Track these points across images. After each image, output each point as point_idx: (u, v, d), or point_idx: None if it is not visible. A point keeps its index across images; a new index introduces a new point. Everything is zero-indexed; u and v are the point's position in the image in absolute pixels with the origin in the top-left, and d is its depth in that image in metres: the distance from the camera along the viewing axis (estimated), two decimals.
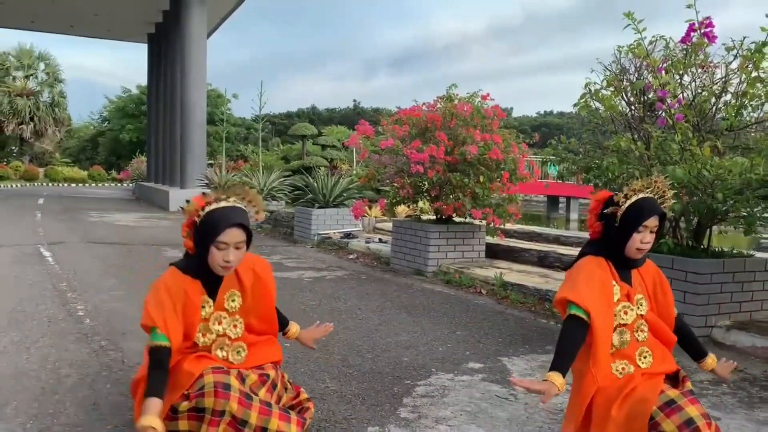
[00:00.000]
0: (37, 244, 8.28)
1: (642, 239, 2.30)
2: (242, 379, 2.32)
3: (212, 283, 2.40)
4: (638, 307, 2.36)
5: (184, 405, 2.22)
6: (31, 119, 38.58)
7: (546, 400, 2.10)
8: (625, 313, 2.33)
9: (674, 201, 3.88)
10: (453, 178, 6.88)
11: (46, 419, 2.66)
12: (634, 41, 4.52)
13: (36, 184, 33.03)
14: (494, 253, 7.52)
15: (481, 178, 6.96)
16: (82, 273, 6.29)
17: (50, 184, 32.80)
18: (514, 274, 6.38)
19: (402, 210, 9.96)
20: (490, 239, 7.61)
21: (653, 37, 4.57)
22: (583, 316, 2.24)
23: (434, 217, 7.57)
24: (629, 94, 4.39)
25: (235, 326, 2.46)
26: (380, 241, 8.85)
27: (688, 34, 4.47)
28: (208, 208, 2.32)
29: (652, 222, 2.30)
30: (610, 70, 4.64)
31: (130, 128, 40.48)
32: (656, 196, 2.37)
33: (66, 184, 33.05)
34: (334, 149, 20.45)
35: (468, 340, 4.20)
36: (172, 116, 17.91)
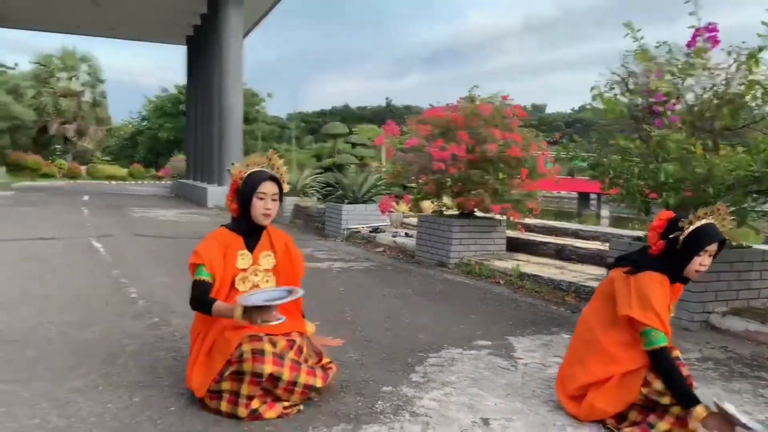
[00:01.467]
0: (88, 237, 8.95)
1: (701, 262, 2.63)
2: (273, 344, 2.78)
3: (251, 241, 2.96)
4: (671, 311, 2.73)
5: (227, 369, 2.70)
6: (74, 119, 39.94)
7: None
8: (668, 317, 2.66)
9: (669, 195, 4.25)
10: (474, 175, 7.27)
11: (114, 377, 3.17)
12: (638, 47, 4.87)
13: (79, 181, 34.30)
14: (514, 246, 7.89)
15: (501, 175, 7.34)
16: (131, 262, 6.89)
17: (92, 182, 34.03)
18: (531, 265, 6.75)
19: (428, 206, 10.37)
20: (510, 233, 7.98)
21: (656, 42, 4.92)
22: (665, 344, 2.55)
23: (457, 212, 7.98)
24: (631, 97, 4.73)
25: (267, 281, 2.97)
26: (406, 235, 9.28)
27: (693, 38, 4.80)
28: (248, 171, 2.94)
29: (712, 247, 2.63)
30: (615, 73, 4.99)
31: (168, 127, 41.67)
32: (718, 223, 2.66)
33: (107, 182, 34.25)
34: (365, 147, 20.94)
35: (480, 323, 4.61)
36: (209, 116, 18.60)
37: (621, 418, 2.65)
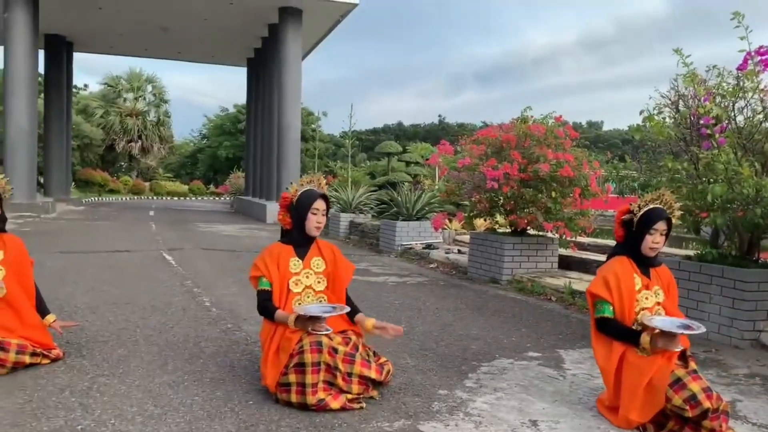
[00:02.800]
0: (160, 250, 9.54)
1: (653, 240, 3.00)
2: (330, 338, 3.12)
3: (302, 251, 3.41)
4: (656, 295, 3.03)
5: (291, 362, 3.05)
6: (139, 137, 41.78)
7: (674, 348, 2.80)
8: (646, 298, 3.01)
9: (717, 215, 4.38)
10: (526, 194, 7.48)
11: (197, 375, 3.54)
12: (689, 72, 5.03)
13: (143, 197, 35.85)
14: (567, 264, 8.01)
15: (553, 194, 7.52)
16: (201, 273, 7.38)
17: (155, 197, 35.49)
18: (583, 283, 6.88)
19: (481, 223, 10.59)
20: (563, 251, 8.12)
21: (707, 66, 5.06)
22: (609, 315, 2.95)
23: (509, 229, 8.17)
24: (680, 120, 4.88)
25: (318, 282, 3.39)
26: (459, 252, 9.51)
27: (745, 62, 4.94)
28: (301, 190, 3.41)
29: (661, 226, 2.99)
30: (664, 96, 5.15)
31: (227, 145, 43.12)
32: (666, 207, 3.04)
33: (169, 198, 35.66)
34: (418, 165, 21.28)
35: (531, 336, 4.82)
36: (269, 134, 19.31)
37: (659, 426, 2.84)
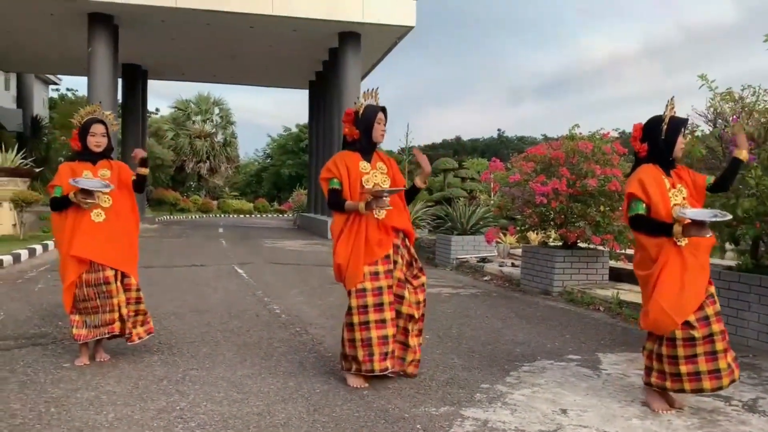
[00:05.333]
0: (231, 264, 10.31)
1: (682, 142, 3.55)
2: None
3: (367, 157, 3.95)
4: (681, 192, 3.51)
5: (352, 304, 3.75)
6: (207, 158, 43.62)
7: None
8: (675, 195, 3.47)
9: (749, 227, 4.66)
10: (576, 208, 7.80)
11: (271, 369, 4.11)
12: (726, 90, 5.32)
13: (211, 215, 37.46)
14: (618, 276, 8.25)
15: (602, 208, 7.81)
16: (270, 284, 8.03)
17: (222, 215, 37.03)
18: (632, 294, 7.13)
19: (534, 237, 10.90)
20: (614, 263, 8.36)
21: (742, 86, 5.34)
22: (643, 212, 3.44)
23: (561, 243, 8.47)
24: (712, 139, 5.17)
25: (384, 181, 3.94)
26: (512, 265, 9.85)
27: None
28: (365, 103, 3.96)
29: (684, 130, 3.57)
30: (700, 114, 5.44)
31: (290, 164, 44.50)
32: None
33: (235, 215, 37.12)
34: (474, 181, 21.64)
35: (573, 341, 5.17)
36: (330, 154, 20.08)
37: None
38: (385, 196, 3.75)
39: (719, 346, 3.26)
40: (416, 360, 3.89)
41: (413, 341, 3.83)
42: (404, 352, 3.82)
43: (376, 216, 3.80)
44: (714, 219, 3.29)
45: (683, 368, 3.26)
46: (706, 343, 3.26)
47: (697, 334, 3.24)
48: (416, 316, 3.81)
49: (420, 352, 3.93)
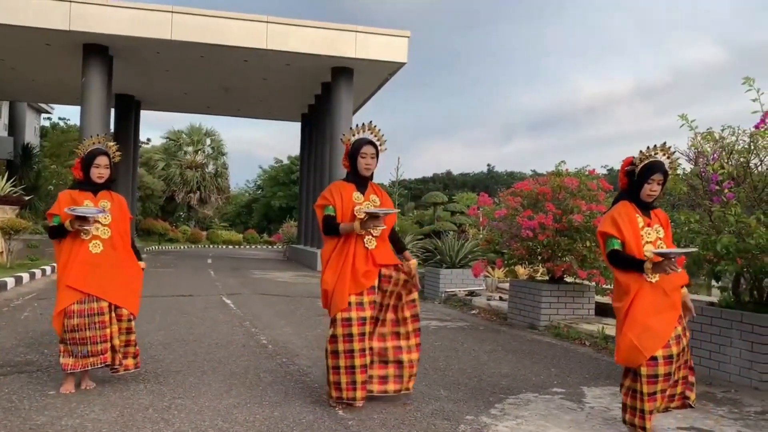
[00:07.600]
0: (219, 295, 10.30)
1: (651, 188, 3.57)
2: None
3: (361, 188, 4.13)
4: (656, 232, 3.59)
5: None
6: (198, 188, 43.62)
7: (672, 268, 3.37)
8: (648, 234, 3.56)
9: (728, 263, 4.77)
10: (562, 242, 7.90)
11: (257, 398, 4.12)
12: (705, 132, 5.50)
13: (201, 246, 37.32)
14: (604, 311, 8.31)
15: (588, 243, 7.92)
16: (258, 315, 8.03)
17: (212, 246, 36.90)
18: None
19: (523, 271, 10.97)
20: (600, 298, 8.44)
21: (722, 126, 5.51)
22: (618, 248, 3.53)
23: (548, 277, 8.56)
24: (691, 176, 5.32)
25: None
26: (500, 299, 9.90)
27: (761, 121, 5.37)
28: (353, 138, 4.11)
29: (657, 177, 3.57)
30: (682, 154, 5.60)
31: (280, 195, 44.58)
32: (667, 158, 3.63)
33: (225, 246, 37.01)
34: (463, 215, 21.79)
35: (559, 375, 5.21)
36: (321, 186, 20.20)
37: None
38: (381, 216, 3.90)
39: (678, 378, 3.51)
40: (413, 374, 4.16)
41: (405, 357, 4.10)
42: (400, 369, 4.04)
43: (372, 235, 3.98)
44: (678, 252, 3.43)
45: (647, 405, 3.37)
46: (665, 381, 3.41)
47: (661, 370, 3.36)
48: (402, 332, 4.12)
49: (416, 367, 4.19)
